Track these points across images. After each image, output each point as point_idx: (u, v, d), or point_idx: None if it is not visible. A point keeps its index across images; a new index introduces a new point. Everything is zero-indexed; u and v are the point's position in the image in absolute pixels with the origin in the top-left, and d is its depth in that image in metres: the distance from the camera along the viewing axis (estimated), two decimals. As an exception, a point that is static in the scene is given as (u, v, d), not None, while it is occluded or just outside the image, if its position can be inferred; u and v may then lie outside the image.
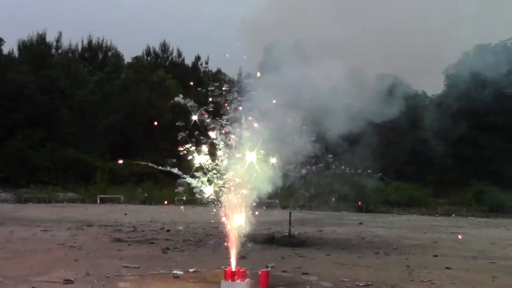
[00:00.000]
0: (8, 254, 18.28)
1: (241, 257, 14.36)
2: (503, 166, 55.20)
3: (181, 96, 13.81)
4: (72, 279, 13.89)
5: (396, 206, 48.71)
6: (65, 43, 76.56)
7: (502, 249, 23.87)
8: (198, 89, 14.25)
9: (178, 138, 13.68)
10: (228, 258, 13.83)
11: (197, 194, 14.05)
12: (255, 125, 13.88)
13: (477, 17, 17.57)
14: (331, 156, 17.94)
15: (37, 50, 66.15)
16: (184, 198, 15.23)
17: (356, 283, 14.63)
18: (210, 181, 13.93)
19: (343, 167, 21.36)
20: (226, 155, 13.86)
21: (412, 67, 17.96)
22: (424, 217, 42.95)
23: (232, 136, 13.88)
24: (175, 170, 14.11)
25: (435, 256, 20.87)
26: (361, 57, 17.38)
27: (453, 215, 45.69)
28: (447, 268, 17.88)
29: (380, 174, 46.25)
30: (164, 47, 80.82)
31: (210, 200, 13.94)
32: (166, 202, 41.42)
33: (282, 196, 15.69)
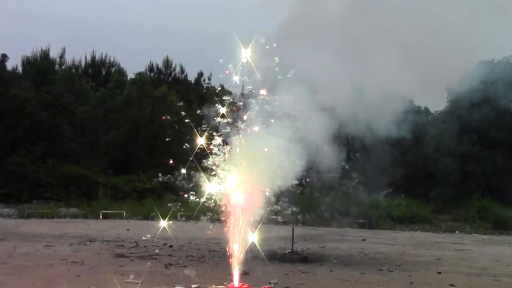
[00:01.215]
0: (10, 269, 18.23)
1: (244, 273, 14.32)
2: (506, 182, 55.13)
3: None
4: (74, 294, 13.86)
5: (399, 222, 48.55)
6: (68, 59, 76.88)
7: (506, 266, 23.75)
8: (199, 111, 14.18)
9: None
10: (230, 274, 13.79)
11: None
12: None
13: (481, 32, 17.58)
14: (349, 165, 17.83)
15: (40, 66, 66.27)
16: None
17: (360, 300, 14.58)
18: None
19: (353, 183, 21.29)
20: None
21: (415, 83, 17.93)
22: (427, 234, 42.79)
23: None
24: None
25: (439, 273, 20.77)
26: (363, 73, 17.38)
27: (457, 231, 45.52)
28: (451, 285, 17.80)
29: (391, 190, 46.29)
30: (167, 63, 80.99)
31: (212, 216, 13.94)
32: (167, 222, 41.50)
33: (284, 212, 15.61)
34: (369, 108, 17.34)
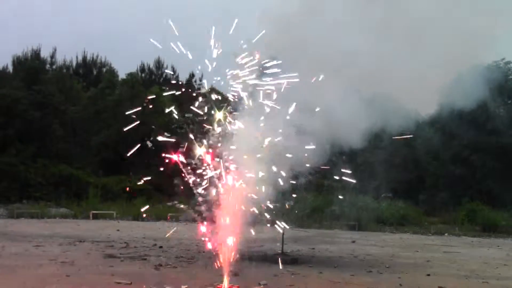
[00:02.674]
0: (-1, 269, 18.21)
1: (233, 274, 14.34)
2: (496, 185, 55.33)
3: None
4: (64, 295, 13.85)
5: (388, 224, 48.67)
6: (59, 58, 76.65)
7: (495, 269, 23.86)
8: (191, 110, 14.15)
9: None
10: (220, 275, 13.82)
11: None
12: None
13: (474, 36, 17.65)
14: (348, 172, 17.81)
15: (31, 66, 66.13)
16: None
17: (349, 301, 14.63)
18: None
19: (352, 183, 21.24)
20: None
21: (406, 86, 17.99)
22: (417, 236, 42.92)
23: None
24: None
25: (428, 275, 20.84)
26: (358, 75, 17.40)
27: (446, 234, 45.67)
28: (440, 287, 17.88)
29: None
30: (159, 64, 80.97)
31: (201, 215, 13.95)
32: (168, 217, 41.76)
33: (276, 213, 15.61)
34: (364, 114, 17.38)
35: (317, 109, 15.16)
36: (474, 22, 17.56)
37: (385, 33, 17.17)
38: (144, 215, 44.43)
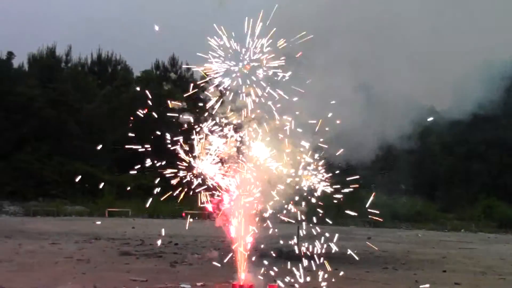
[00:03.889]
0: (16, 266, 18.29)
1: (248, 271, 14.28)
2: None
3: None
4: (79, 292, 13.88)
5: (404, 221, 48.46)
6: (74, 56, 76.77)
7: (511, 265, 23.72)
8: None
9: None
10: (236, 272, 13.79)
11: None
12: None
13: (490, 31, 17.49)
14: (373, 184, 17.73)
15: (46, 64, 66.36)
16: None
17: (365, 298, 14.57)
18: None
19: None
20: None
21: (421, 81, 17.85)
22: (433, 232, 42.76)
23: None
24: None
25: (444, 271, 20.76)
26: (371, 71, 17.25)
27: (462, 230, 45.45)
28: (456, 283, 17.79)
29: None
30: (173, 61, 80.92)
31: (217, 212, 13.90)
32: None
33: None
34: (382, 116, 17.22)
35: (337, 122, 14.91)
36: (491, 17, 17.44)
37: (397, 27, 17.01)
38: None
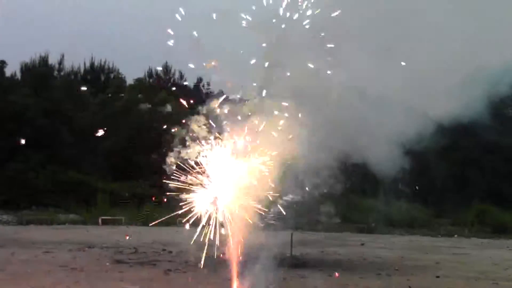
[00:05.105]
0: (9, 276, 18.26)
1: (242, 278, 14.29)
2: (506, 186, 55.11)
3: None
4: (73, 301, 13.89)
5: (398, 227, 48.52)
6: (67, 65, 76.64)
7: (504, 270, 23.82)
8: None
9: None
10: (229, 279, 13.82)
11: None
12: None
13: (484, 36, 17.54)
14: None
15: (39, 73, 66.31)
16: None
17: (358, 304, 14.61)
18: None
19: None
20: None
21: (414, 85, 17.86)
22: (426, 238, 42.84)
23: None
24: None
25: (437, 277, 20.83)
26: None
27: (455, 235, 45.55)
28: (449, 289, 17.87)
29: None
30: (166, 69, 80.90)
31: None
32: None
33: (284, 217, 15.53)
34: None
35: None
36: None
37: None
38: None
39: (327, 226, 41.59)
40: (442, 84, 17.73)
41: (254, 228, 14.12)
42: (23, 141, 13.28)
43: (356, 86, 15.87)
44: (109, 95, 64.89)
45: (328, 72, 14.24)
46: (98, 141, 59.80)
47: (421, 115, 17.73)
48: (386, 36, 16.40)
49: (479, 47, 17.59)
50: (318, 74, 14.27)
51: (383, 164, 17.69)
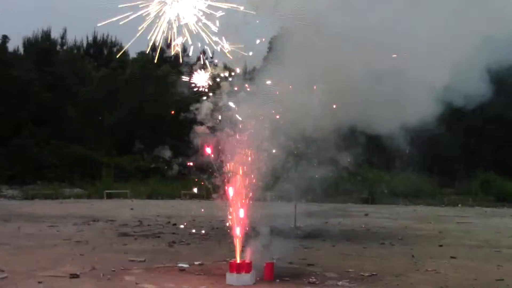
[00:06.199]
0: (15, 249, 18.38)
1: (246, 250, 14.35)
2: (510, 156, 55.06)
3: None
4: (78, 273, 13.97)
5: (402, 197, 48.61)
6: (70, 39, 76.40)
7: (507, 238, 23.89)
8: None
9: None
10: (233, 250, 13.90)
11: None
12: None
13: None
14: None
15: (42, 47, 66.20)
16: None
17: (361, 273, 14.68)
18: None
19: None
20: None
21: (420, 57, 17.75)
22: (430, 208, 42.94)
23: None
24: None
25: (440, 246, 20.92)
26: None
27: (460, 205, 45.64)
28: (452, 257, 17.92)
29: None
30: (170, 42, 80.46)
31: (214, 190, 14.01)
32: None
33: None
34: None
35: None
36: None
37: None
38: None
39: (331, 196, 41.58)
40: (447, 55, 17.62)
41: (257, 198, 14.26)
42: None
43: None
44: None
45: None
46: (102, 115, 59.89)
47: (427, 87, 17.62)
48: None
49: (483, 17, 17.48)
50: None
51: (390, 134, 17.69)
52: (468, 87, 18.80)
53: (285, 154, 14.44)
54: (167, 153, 16.02)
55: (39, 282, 12.98)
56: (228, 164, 13.81)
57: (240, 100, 13.86)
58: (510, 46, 17.93)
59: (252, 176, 13.93)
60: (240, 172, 13.82)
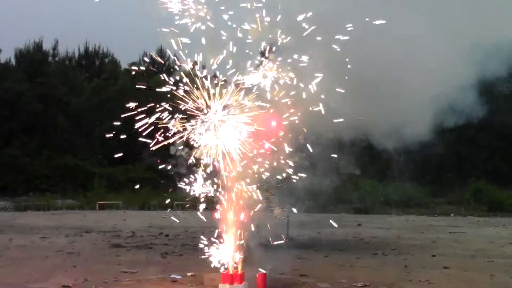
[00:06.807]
0: (7, 261, 18.31)
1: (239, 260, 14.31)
2: (501, 164, 55.22)
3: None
4: (70, 285, 13.95)
5: (394, 206, 48.63)
6: (62, 50, 76.27)
7: (500, 248, 23.91)
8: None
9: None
10: (226, 261, 13.88)
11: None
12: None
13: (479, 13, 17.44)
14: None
15: (33, 58, 66.12)
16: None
17: (354, 284, 14.69)
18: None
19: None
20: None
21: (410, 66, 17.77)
22: (423, 217, 42.96)
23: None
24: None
25: (433, 255, 20.91)
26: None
27: (452, 214, 45.68)
28: (445, 267, 17.93)
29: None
30: (161, 53, 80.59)
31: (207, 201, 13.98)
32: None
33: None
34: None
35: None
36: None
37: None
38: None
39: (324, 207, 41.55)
40: (436, 63, 17.66)
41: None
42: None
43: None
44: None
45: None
46: (94, 125, 59.67)
47: (418, 94, 17.59)
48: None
49: (473, 25, 17.53)
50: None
51: (384, 142, 17.72)
52: (460, 103, 18.90)
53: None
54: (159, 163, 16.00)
55: (32, 294, 12.96)
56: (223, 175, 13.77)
57: None
58: (499, 54, 18.01)
59: (245, 186, 13.88)
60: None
